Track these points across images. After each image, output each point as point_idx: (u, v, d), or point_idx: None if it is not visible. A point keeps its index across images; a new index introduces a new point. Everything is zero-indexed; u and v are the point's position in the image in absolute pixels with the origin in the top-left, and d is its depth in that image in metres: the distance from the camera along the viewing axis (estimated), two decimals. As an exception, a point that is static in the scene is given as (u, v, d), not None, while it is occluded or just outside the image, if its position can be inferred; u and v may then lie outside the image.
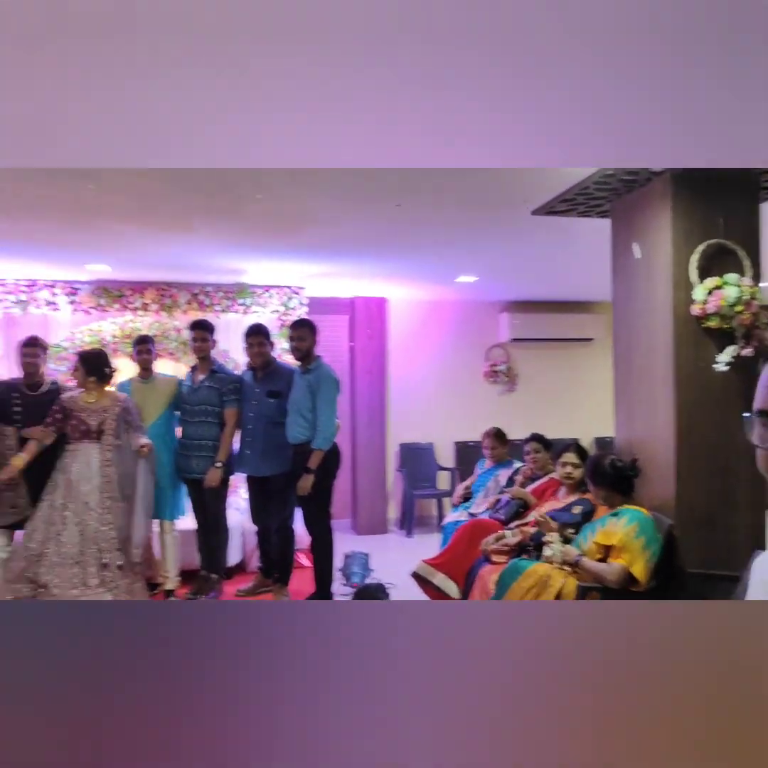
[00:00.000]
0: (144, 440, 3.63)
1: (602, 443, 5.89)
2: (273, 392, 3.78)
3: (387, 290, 5.91)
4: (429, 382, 6.38)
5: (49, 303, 4.82)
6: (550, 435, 3.86)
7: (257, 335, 3.81)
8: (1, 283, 4.75)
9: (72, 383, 4.09)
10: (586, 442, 5.67)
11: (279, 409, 3.73)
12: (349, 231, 3.71)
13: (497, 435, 4.17)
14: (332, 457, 3.61)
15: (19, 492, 3.50)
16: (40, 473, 3.52)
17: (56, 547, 3.50)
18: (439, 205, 3.28)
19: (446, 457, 6.37)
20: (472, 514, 4.20)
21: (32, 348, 3.62)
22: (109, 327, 4.85)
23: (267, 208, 3.26)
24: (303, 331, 3.64)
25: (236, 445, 3.95)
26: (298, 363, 3.73)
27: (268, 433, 3.76)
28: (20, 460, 3.43)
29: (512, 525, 3.47)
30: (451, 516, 4.48)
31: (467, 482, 4.48)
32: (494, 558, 3.24)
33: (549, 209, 3.25)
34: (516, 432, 4.41)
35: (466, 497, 4.46)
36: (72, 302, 4.85)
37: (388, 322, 6.23)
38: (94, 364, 3.65)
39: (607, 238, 3.17)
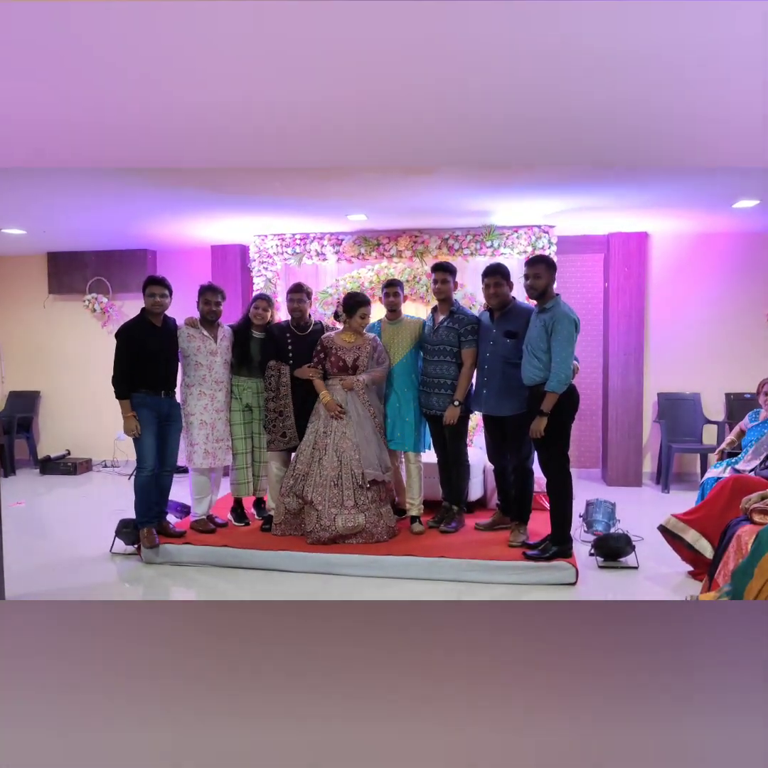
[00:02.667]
0: (362, 377, 3.91)
1: None
2: (510, 332, 3.74)
3: (647, 224, 5.39)
4: (697, 325, 5.72)
5: (318, 254, 5.40)
6: None
7: (493, 275, 3.77)
8: (281, 237, 5.44)
9: (338, 325, 4.55)
10: None
11: (516, 350, 3.69)
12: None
13: (779, 383, 3.84)
14: (568, 400, 3.47)
15: (287, 423, 4.06)
16: (307, 404, 4.04)
17: (318, 469, 3.95)
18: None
19: (715, 409, 5.71)
20: (736, 471, 3.81)
21: (298, 294, 4.09)
22: (367, 274, 5.26)
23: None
24: (538, 269, 3.49)
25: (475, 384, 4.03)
26: (535, 302, 3.64)
27: (505, 374, 3.75)
28: (325, 396, 3.93)
29: (785, 484, 3.11)
30: (712, 471, 4.10)
31: (731, 436, 4.03)
32: (756, 518, 2.95)
33: None
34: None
35: (733, 453, 4.04)
36: (337, 253, 5.36)
37: (649, 259, 5.70)
38: (350, 307, 4.03)
39: None
